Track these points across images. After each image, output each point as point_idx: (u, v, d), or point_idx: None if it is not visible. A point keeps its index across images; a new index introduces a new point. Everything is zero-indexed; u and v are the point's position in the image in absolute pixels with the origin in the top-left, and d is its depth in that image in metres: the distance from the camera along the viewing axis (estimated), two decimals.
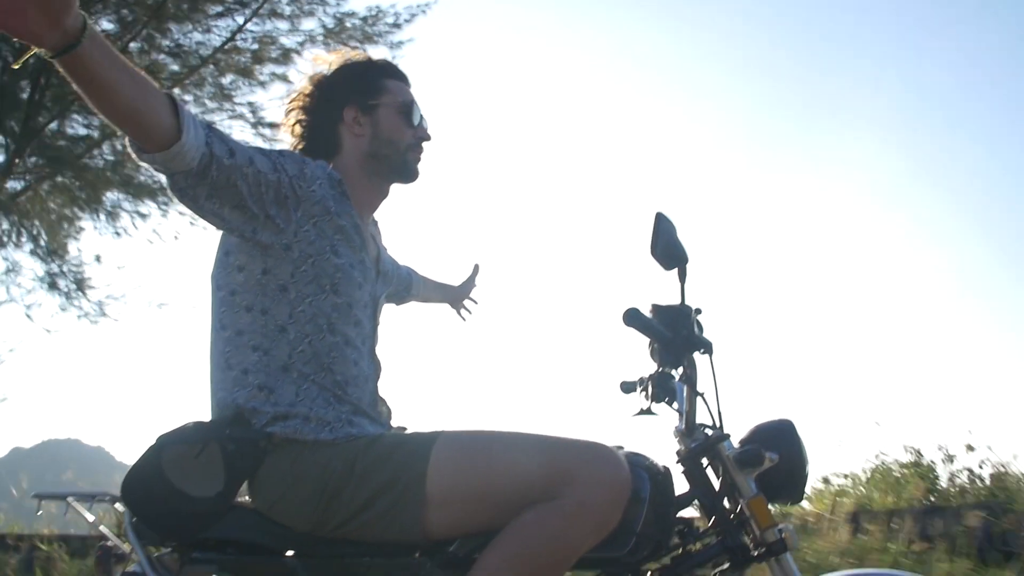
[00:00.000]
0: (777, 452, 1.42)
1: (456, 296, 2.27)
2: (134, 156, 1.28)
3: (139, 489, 1.40)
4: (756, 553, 1.41)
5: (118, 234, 8.71)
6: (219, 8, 7.80)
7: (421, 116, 1.69)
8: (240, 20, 7.85)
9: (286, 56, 8.06)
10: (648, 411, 1.54)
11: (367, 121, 1.64)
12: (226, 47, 7.91)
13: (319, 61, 1.70)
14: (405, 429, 1.60)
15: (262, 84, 8.21)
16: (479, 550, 1.35)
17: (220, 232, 1.51)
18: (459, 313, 2.28)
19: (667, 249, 1.45)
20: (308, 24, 8.10)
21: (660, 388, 1.54)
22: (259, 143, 5.48)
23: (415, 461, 1.36)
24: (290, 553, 1.44)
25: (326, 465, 1.40)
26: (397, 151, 1.65)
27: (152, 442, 1.41)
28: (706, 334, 1.58)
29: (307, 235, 1.48)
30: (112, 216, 8.60)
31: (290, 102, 1.70)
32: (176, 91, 1.23)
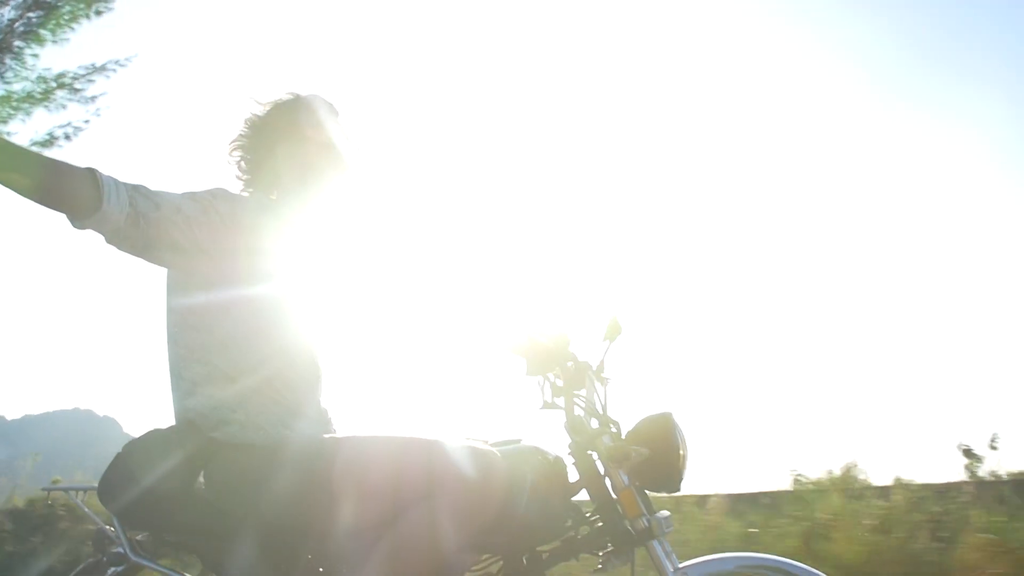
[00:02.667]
0: (651, 445, 1.52)
1: None
2: (71, 225, 1.50)
3: (113, 490, 1.66)
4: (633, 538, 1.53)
5: None
6: None
7: (347, 142, 1.86)
8: None
9: None
10: (553, 404, 1.66)
11: (298, 153, 1.82)
12: None
13: (253, 104, 1.89)
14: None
15: None
16: None
17: None
18: None
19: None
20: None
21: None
22: None
23: (323, 464, 1.57)
24: (240, 537, 1.68)
25: (256, 465, 1.62)
26: (326, 177, 1.83)
27: (120, 450, 1.68)
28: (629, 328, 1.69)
29: (243, 262, 1.68)
30: None
31: (231, 142, 1.90)
32: None
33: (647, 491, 1.58)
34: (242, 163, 1.88)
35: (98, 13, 8.75)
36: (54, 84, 8.66)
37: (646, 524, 1.51)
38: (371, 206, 1.96)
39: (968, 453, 4.40)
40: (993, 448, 4.34)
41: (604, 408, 1.61)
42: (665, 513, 1.55)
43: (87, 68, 8.84)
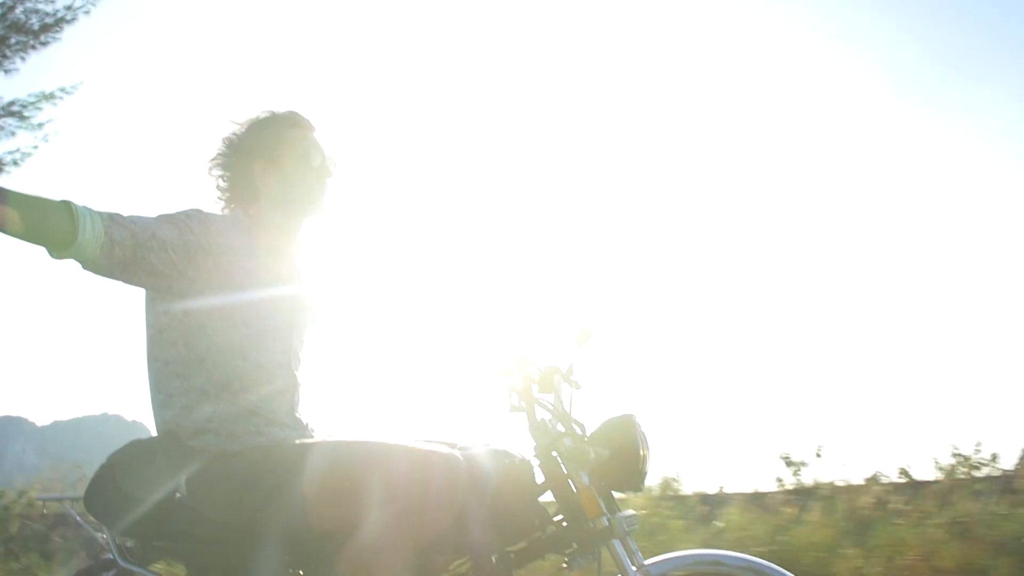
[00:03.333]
0: (612, 446, 1.56)
1: None
2: (48, 256, 1.55)
3: (98, 500, 1.73)
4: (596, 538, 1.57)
5: None
6: None
7: (322, 156, 1.91)
8: None
9: None
10: (519, 408, 1.70)
11: (274, 170, 1.87)
12: None
13: (230, 123, 1.94)
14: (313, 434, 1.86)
15: None
16: None
17: None
18: None
19: None
20: None
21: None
22: None
23: (295, 469, 1.62)
24: (222, 542, 1.73)
25: (232, 472, 1.68)
26: (302, 191, 1.88)
27: (105, 460, 1.75)
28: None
29: (218, 280, 1.73)
30: None
31: (210, 161, 1.95)
32: None
33: (612, 491, 1.61)
34: (220, 181, 1.93)
35: (44, 44, 8.99)
36: (2, 112, 8.96)
37: (606, 523, 1.54)
38: (345, 219, 2.01)
39: (789, 462, 4.44)
40: (818, 456, 4.40)
41: (569, 411, 1.64)
42: (630, 512, 1.58)
43: (35, 96, 9.11)
